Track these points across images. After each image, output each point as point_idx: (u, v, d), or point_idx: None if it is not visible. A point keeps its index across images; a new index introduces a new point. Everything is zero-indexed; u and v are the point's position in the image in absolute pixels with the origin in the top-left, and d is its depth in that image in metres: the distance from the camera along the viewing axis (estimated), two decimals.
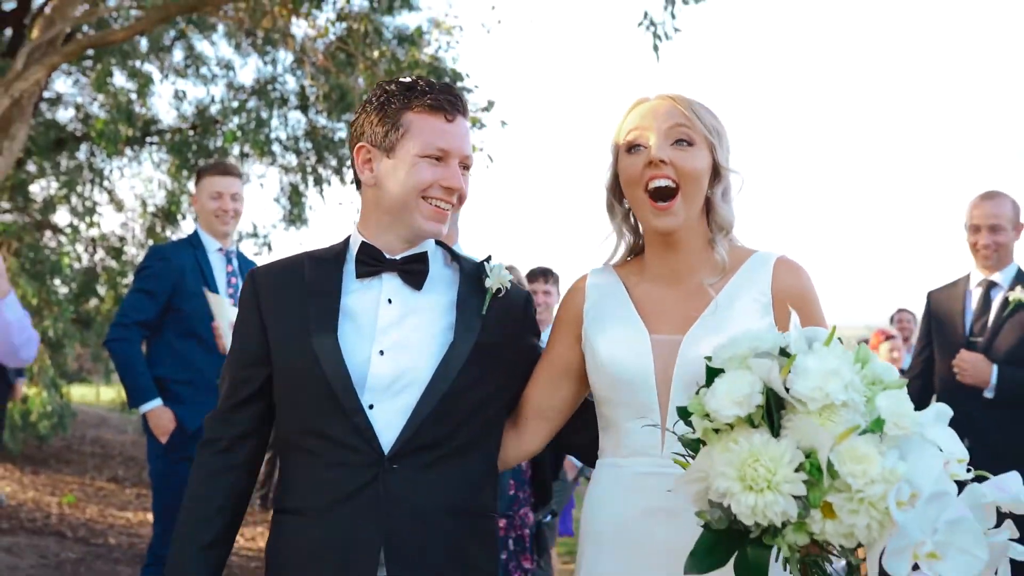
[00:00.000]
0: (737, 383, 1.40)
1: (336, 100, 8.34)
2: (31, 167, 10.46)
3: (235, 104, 10.35)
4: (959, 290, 4.10)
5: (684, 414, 1.50)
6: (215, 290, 4.04)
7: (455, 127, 1.88)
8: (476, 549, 1.88)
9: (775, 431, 1.38)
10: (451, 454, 1.85)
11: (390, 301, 1.88)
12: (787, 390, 1.38)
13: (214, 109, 10.55)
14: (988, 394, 3.80)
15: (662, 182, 1.81)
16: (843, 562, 1.41)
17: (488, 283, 1.93)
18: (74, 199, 10.54)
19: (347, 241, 1.98)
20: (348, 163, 9.61)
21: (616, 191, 1.95)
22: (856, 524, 1.32)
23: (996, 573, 1.37)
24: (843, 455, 1.32)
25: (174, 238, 12.40)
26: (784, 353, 1.42)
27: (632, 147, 1.87)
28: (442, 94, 1.89)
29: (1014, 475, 1.36)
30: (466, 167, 1.92)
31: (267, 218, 17.78)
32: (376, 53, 7.29)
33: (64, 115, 11.15)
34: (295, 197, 11.20)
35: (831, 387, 1.35)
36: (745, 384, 1.40)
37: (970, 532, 1.29)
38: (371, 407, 1.82)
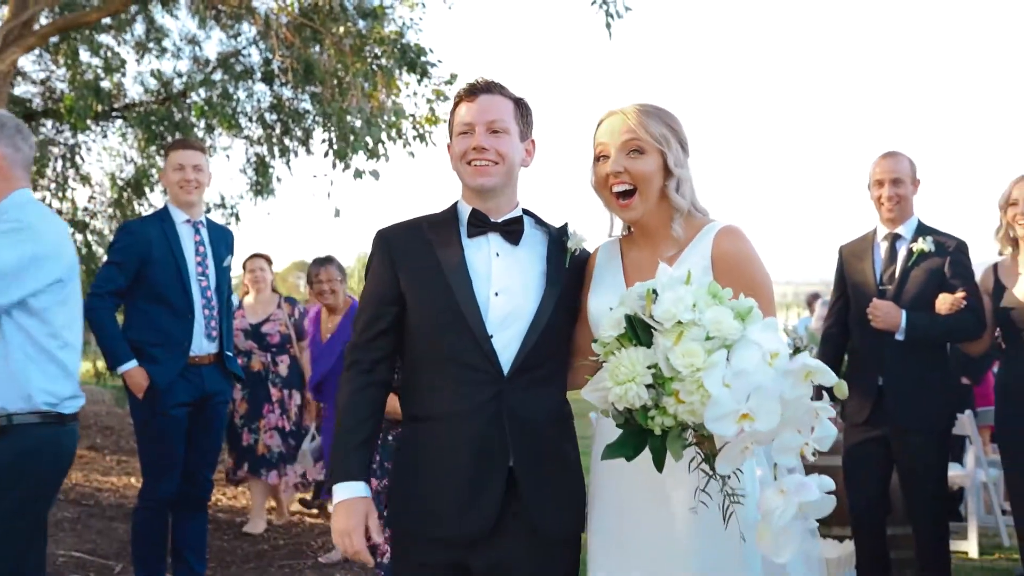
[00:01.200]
0: (615, 314, 1.98)
1: (302, 74, 8.59)
2: None
3: (200, 77, 10.52)
4: (867, 243, 4.48)
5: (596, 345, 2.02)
6: (182, 259, 4.43)
7: (475, 103, 2.43)
8: (567, 446, 2.45)
9: (644, 344, 1.91)
10: (547, 375, 2.40)
11: (498, 255, 2.42)
12: (652, 317, 1.91)
13: (180, 83, 10.72)
14: (899, 337, 4.19)
15: (621, 187, 2.38)
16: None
17: (569, 245, 2.48)
18: (45, 174, 10.68)
19: (454, 208, 2.50)
20: (313, 135, 9.85)
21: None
22: (693, 402, 1.82)
23: (812, 432, 1.87)
24: (678, 353, 1.84)
25: (143, 211, 12.60)
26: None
27: (599, 158, 2.43)
28: (469, 85, 2.48)
29: (803, 354, 1.89)
30: (494, 131, 2.41)
31: (234, 189, 18.00)
32: (341, 29, 7.54)
33: (29, 91, 11.25)
34: (262, 168, 11.41)
35: (676, 309, 1.88)
36: (620, 314, 1.97)
37: (770, 393, 1.78)
38: (491, 336, 2.34)
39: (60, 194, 10.39)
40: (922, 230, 4.37)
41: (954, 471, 6.32)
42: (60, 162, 10.82)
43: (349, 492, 2.34)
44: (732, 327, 1.86)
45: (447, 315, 2.34)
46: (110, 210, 12.05)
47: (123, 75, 10.33)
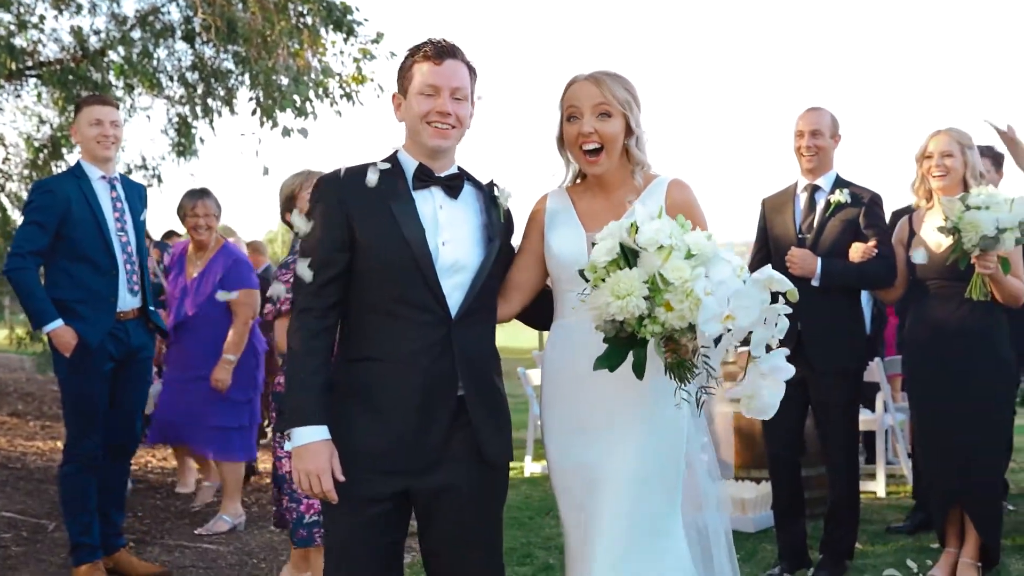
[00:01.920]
0: (606, 243, 2.36)
1: (225, 32, 8.46)
2: None
3: (119, 35, 10.27)
4: (788, 195, 4.67)
5: (582, 274, 2.42)
6: (101, 216, 4.43)
7: (443, 67, 2.54)
8: (499, 379, 2.67)
9: (632, 267, 2.33)
10: (486, 316, 2.62)
11: (441, 207, 2.57)
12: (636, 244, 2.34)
13: (97, 41, 10.45)
14: (815, 283, 4.39)
15: (591, 145, 2.70)
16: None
17: (500, 200, 2.68)
18: None
19: (394, 158, 2.61)
20: (237, 94, 9.70)
21: (562, 141, 2.81)
22: (683, 308, 2.23)
23: (776, 326, 2.38)
24: (668, 268, 2.25)
25: (58, 171, 12.29)
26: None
27: (570, 118, 2.73)
28: (433, 45, 2.57)
29: (767, 267, 2.38)
30: (457, 97, 2.55)
31: (156, 150, 17.63)
32: None
33: None
34: (184, 128, 11.22)
35: (658, 236, 2.29)
36: (610, 243, 2.35)
37: (747, 295, 2.29)
38: (439, 282, 2.49)
39: None
40: (840, 183, 4.57)
41: (864, 416, 6.67)
42: None
43: (312, 435, 2.43)
44: (709, 247, 2.31)
45: (400, 260, 2.46)
46: (26, 172, 11.72)
47: (41, 31, 10.02)
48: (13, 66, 9.17)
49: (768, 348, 2.41)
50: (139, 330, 4.60)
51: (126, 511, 5.14)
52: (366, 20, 7.92)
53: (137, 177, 12.67)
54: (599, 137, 2.68)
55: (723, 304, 2.23)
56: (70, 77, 10.26)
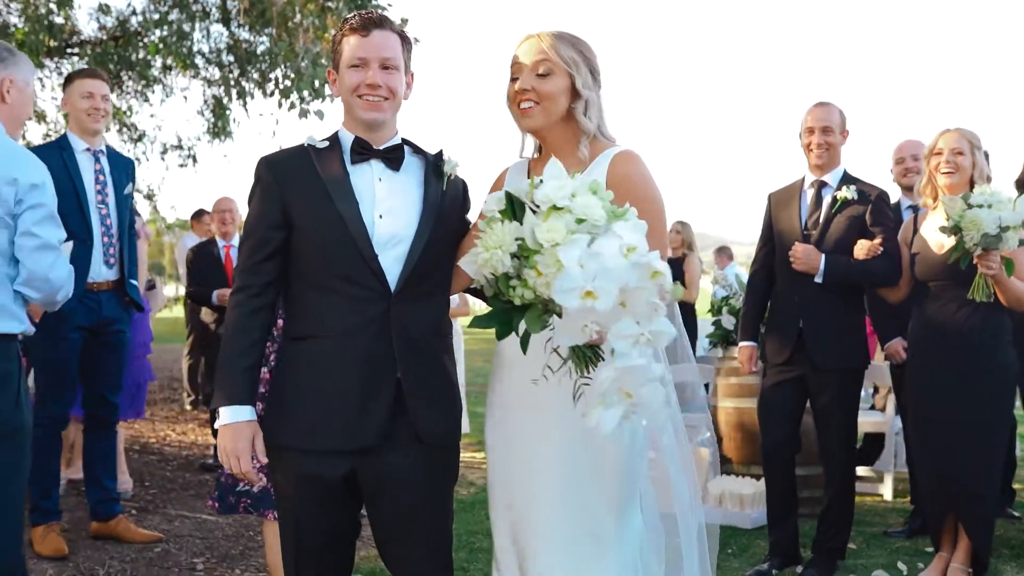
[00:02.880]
0: (500, 193, 2.19)
1: (257, 15, 8.56)
2: None
3: (156, 16, 10.42)
4: (795, 191, 4.63)
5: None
6: (83, 188, 4.50)
7: (370, 39, 2.50)
8: (447, 359, 2.60)
9: (518, 220, 2.13)
10: (430, 290, 2.54)
11: (380, 180, 2.53)
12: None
13: (135, 21, 10.62)
14: (818, 279, 4.36)
15: (527, 104, 2.60)
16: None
17: (446, 169, 2.61)
18: None
19: (335, 137, 2.59)
20: (270, 76, 9.82)
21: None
22: (549, 274, 2.01)
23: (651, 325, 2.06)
24: (543, 228, 2.04)
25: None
26: None
27: (513, 78, 2.64)
28: (360, 18, 2.54)
29: (653, 253, 2.06)
30: (386, 67, 2.50)
31: (191, 131, 17.91)
32: None
33: None
34: (219, 110, 11.39)
35: (556, 195, 2.08)
36: (502, 193, 2.19)
37: (610, 275, 1.97)
38: (377, 256, 2.45)
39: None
40: (847, 179, 4.53)
41: (874, 418, 6.60)
42: None
43: (235, 415, 2.42)
44: (599, 213, 2.06)
45: (335, 237, 2.43)
46: None
47: (77, 7, 10.19)
48: (52, 43, 9.34)
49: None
50: (112, 302, 4.68)
51: (141, 479, 5.23)
52: (390, 5, 7.96)
53: (173, 158, 12.90)
54: (536, 95, 2.57)
55: (589, 279, 1.97)
56: (111, 56, 10.45)
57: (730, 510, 5.46)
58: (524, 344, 2.16)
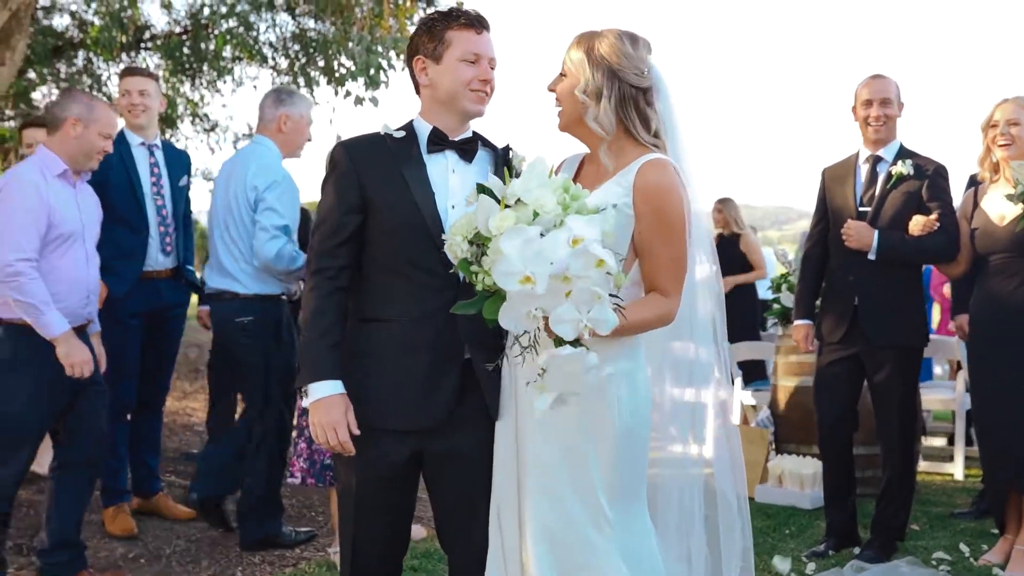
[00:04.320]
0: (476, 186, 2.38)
1: (323, 5, 8.66)
2: (32, 75, 10.83)
3: (224, 9, 10.63)
4: (849, 166, 4.53)
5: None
6: (138, 181, 4.70)
7: (484, 37, 2.62)
8: (503, 341, 2.59)
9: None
10: None
11: (454, 171, 2.61)
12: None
13: (205, 13, 10.85)
14: (871, 256, 4.27)
15: (556, 104, 2.65)
16: None
17: (514, 163, 2.67)
18: None
19: (411, 126, 2.66)
20: (336, 65, 9.92)
21: None
22: (495, 261, 2.13)
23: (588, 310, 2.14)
24: (497, 217, 2.16)
25: (174, 140, 12.88)
26: None
27: None
28: (473, 16, 2.63)
29: (598, 245, 2.13)
30: (492, 67, 2.63)
31: None
32: None
33: (60, 23, 11.47)
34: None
35: (520, 190, 2.22)
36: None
37: (544, 263, 2.08)
38: None
39: None
40: (903, 153, 4.42)
41: (944, 395, 6.44)
42: (89, 92, 11.01)
43: (328, 390, 2.51)
44: (551, 205, 2.16)
45: (410, 223, 2.52)
46: None
47: (149, 2, 10.48)
48: (124, 39, 9.61)
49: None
50: (172, 289, 4.87)
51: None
52: None
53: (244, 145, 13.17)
54: (556, 96, 2.63)
55: (528, 265, 2.07)
56: (184, 50, 10.71)
57: (790, 490, 5.41)
58: (490, 315, 2.26)
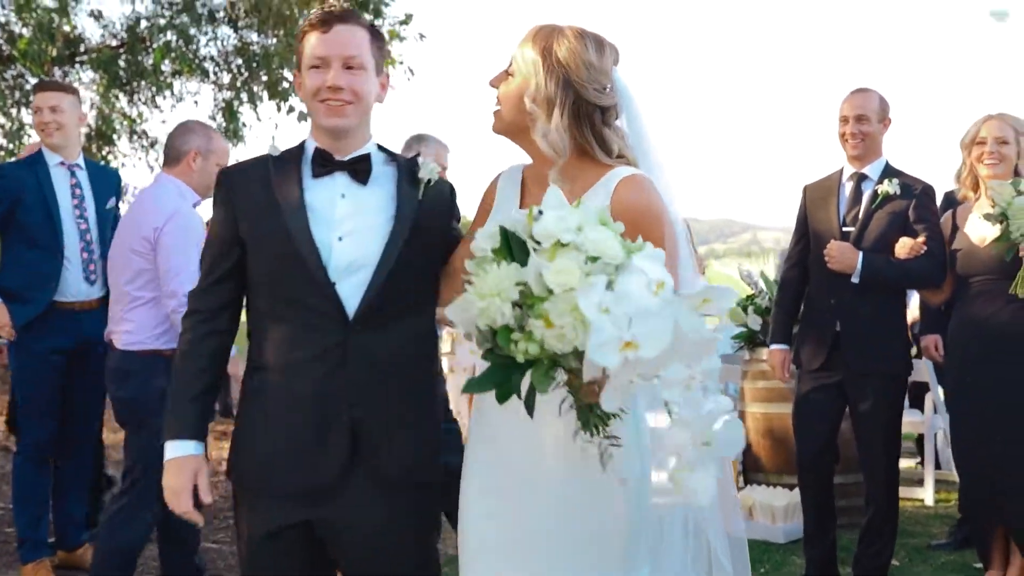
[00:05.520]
0: (491, 227, 1.81)
1: (265, 16, 8.36)
2: None
3: (162, 22, 10.24)
4: (832, 183, 4.34)
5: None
6: (54, 202, 4.34)
7: (330, 35, 2.23)
8: (423, 389, 2.33)
9: (517, 261, 1.75)
10: (401, 314, 2.25)
11: (343, 196, 2.26)
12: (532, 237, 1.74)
13: (143, 26, 10.44)
14: (854, 279, 4.08)
15: (495, 105, 2.25)
16: None
17: (421, 175, 2.32)
18: (2, 120, 10.45)
19: (302, 145, 2.34)
20: (277, 79, 9.64)
21: None
22: (564, 325, 1.64)
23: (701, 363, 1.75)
24: (552, 270, 1.67)
25: (111, 159, 12.38)
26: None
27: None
28: (322, 12, 2.27)
29: (699, 279, 1.73)
30: (350, 67, 2.23)
31: None
32: None
33: None
34: (229, 114, 11.20)
35: (558, 229, 1.71)
36: (496, 227, 1.80)
37: (655, 317, 1.62)
38: (335, 284, 2.20)
39: (16, 142, 10.13)
40: (889, 172, 4.25)
41: (913, 417, 6.29)
42: (17, 108, 10.54)
43: (178, 451, 2.25)
44: (615, 249, 1.70)
45: (286, 260, 2.20)
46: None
47: (84, 15, 10.05)
48: (54, 52, 9.18)
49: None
50: (95, 321, 4.39)
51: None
52: (393, 0, 7.71)
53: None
54: (498, 97, 2.23)
55: (622, 326, 1.61)
56: (120, 63, 10.30)
57: (761, 522, 5.18)
58: (530, 406, 1.78)
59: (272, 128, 10.25)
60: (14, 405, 5.12)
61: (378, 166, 2.32)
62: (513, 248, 1.76)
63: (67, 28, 9.74)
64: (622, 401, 1.71)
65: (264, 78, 10.39)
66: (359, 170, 2.28)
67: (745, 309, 5.90)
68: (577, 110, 2.13)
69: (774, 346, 4.56)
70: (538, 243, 1.73)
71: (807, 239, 4.41)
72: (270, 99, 9.41)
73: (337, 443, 2.20)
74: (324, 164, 2.27)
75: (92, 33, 10.85)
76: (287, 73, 8.26)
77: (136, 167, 24.17)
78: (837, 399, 4.25)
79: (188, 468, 2.23)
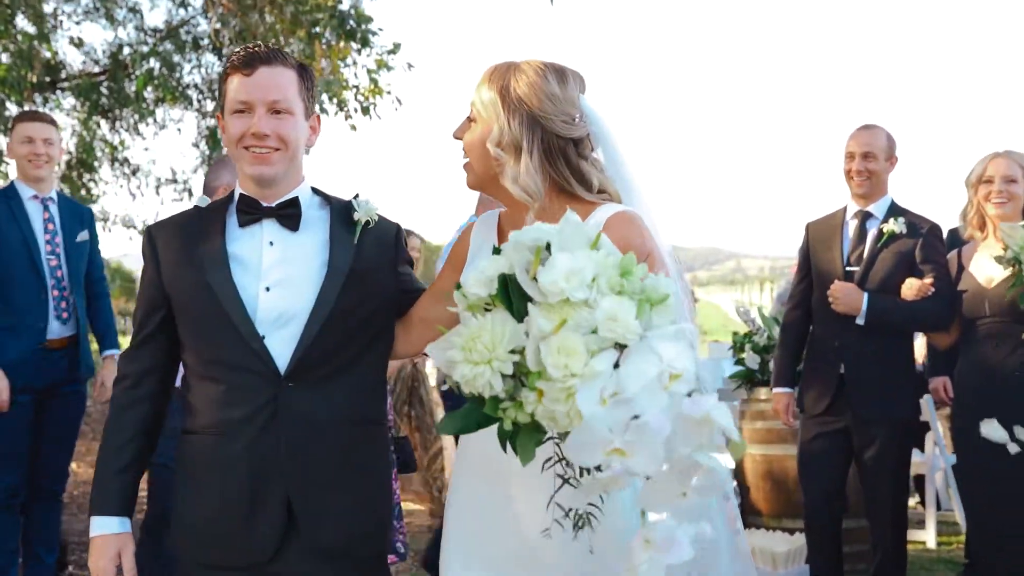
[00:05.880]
0: (491, 266, 1.53)
1: (248, 43, 8.21)
2: None
3: (145, 49, 10.08)
4: (836, 222, 4.23)
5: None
6: (31, 237, 4.19)
7: (254, 78, 2.08)
8: (368, 452, 2.16)
9: (517, 316, 1.48)
10: (340, 369, 2.10)
11: (272, 244, 2.12)
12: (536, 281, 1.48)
13: (125, 52, 10.29)
14: (859, 321, 3.96)
15: (464, 157, 2.09)
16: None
17: (356, 216, 2.17)
18: None
19: (231, 195, 2.20)
20: None
21: None
22: (556, 411, 1.41)
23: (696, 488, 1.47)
24: (553, 346, 1.41)
25: (92, 187, 12.19)
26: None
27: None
28: (244, 53, 2.12)
29: (711, 398, 1.44)
30: (276, 111, 2.08)
31: (186, 164, 17.58)
32: None
33: None
34: (213, 142, 11.04)
35: (569, 284, 1.43)
36: (495, 268, 1.52)
37: (653, 436, 1.37)
38: (263, 337, 2.06)
39: None
40: (895, 210, 4.13)
41: (913, 458, 6.14)
42: None
43: (102, 528, 2.11)
44: (630, 327, 1.43)
45: (209, 315, 2.07)
46: (58, 184, 11.62)
47: (65, 41, 9.89)
48: (34, 79, 9.01)
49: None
50: (66, 361, 4.27)
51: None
52: (381, 30, 7.59)
53: (168, 191, 12.54)
54: (464, 146, 2.08)
55: (618, 428, 1.38)
56: (102, 91, 10.13)
57: (761, 568, 4.99)
58: (525, 456, 1.53)
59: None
60: None
61: (310, 210, 2.17)
62: (514, 301, 1.50)
63: (48, 54, 9.55)
64: (600, 491, 1.52)
65: None
66: (287, 215, 2.13)
67: (742, 347, 5.75)
68: (548, 147, 1.99)
69: (777, 389, 4.41)
70: (542, 295, 1.47)
71: (810, 278, 4.28)
72: None
73: (271, 514, 2.04)
74: (250, 211, 2.13)
75: (73, 60, 10.69)
76: None
77: (118, 195, 23.89)
78: (844, 445, 4.11)
79: (111, 547, 2.10)
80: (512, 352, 1.45)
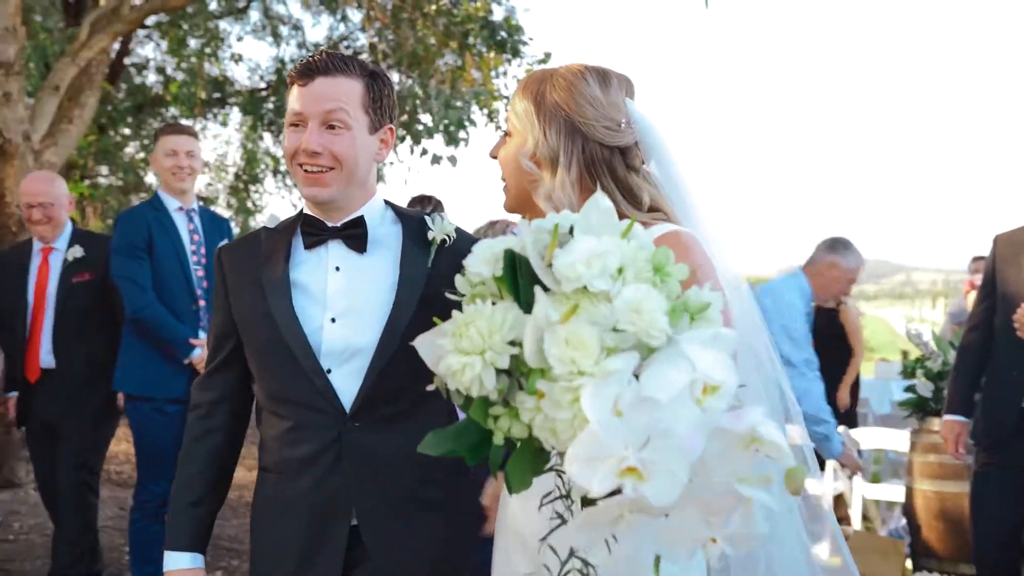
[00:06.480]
0: (500, 243, 1.22)
1: (399, 57, 8.33)
2: (119, 131, 10.78)
3: None
4: None
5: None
6: (181, 248, 4.23)
7: (309, 88, 1.89)
8: (430, 487, 1.96)
9: (524, 305, 1.17)
10: (410, 407, 1.93)
11: (337, 268, 1.96)
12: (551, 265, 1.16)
13: (288, 68, 10.67)
14: None
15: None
16: None
17: (430, 235, 1.98)
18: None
19: (299, 215, 2.04)
20: (412, 121, 9.59)
21: None
22: (558, 417, 1.08)
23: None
24: (559, 336, 1.09)
25: (257, 198, 12.74)
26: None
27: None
28: (305, 62, 1.94)
29: (755, 409, 1.09)
30: (331, 126, 1.90)
31: None
32: (433, 8, 7.22)
33: (152, 79, 11.46)
34: None
35: (588, 271, 1.12)
36: (505, 245, 1.21)
37: (679, 451, 1.02)
38: (329, 371, 1.92)
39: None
40: None
41: None
42: None
43: (173, 563, 2.02)
44: (656, 323, 1.10)
45: (271, 347, 1.93)
46: (224, 196, 12.20)
47: (230, 59, 10.32)
48: (203, 95, 9.45)
49: None
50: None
51: None
52: (532, 40, 7.50)
53: None
54: (500, 164, 1.89)
55: (634, 441, 1.03)
56: (267, 105, 10.54)
57: None
58: (517, 483, 1.20)
59: (405, 172, 10.21)
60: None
61: (381, 227, 1.99)
62: (520, 284, 1.18)
63: (216, 72, 10.01)
64: (599, 536, 1.11)
65: (403, 119, 10.41)
66: (353, 236, 1.96)
67: (914, 372, 5.31)
68: (591, 158, 1.76)
69: (948, 417, 4.00)
70: (556, 280, 1.15)
71: (994, 298, 3.85)
72: (404, 141, 9.39)
73: (336, 547, 1.92)
74: (315, 233, 1.97)
75: (239, 76, 11.18)
76: (422, 115, 8.16)
77: (280, 205, 25.02)
78: (1021, 484, 3.67)
79: None
80: (511, 344, 1.14)
